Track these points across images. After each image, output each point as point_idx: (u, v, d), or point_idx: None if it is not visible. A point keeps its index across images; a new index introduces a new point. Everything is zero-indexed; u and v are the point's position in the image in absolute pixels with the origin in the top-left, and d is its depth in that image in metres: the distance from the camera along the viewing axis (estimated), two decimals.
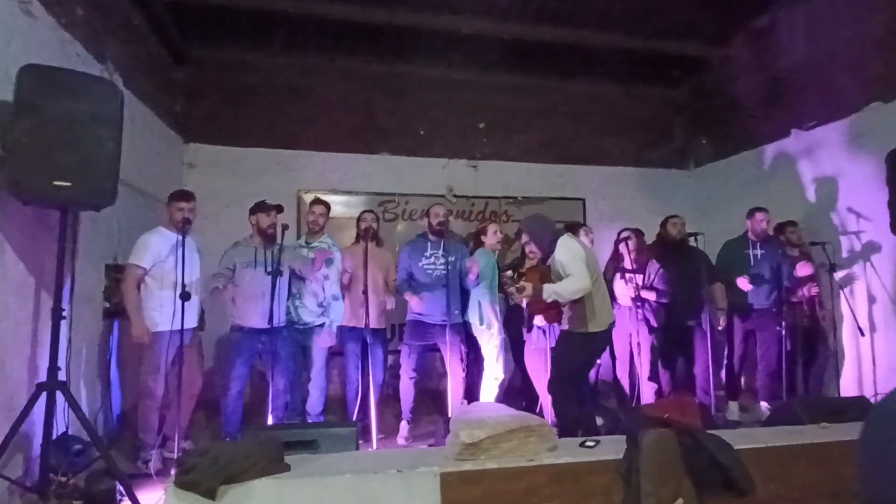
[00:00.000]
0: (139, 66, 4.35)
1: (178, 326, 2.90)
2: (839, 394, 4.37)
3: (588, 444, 2.50)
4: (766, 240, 4.32)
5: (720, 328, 4.13)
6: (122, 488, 2.44)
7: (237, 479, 2.03)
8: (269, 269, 3.09)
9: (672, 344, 4.16)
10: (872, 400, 4.04)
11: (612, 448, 2.40)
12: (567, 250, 2.98)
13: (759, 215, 4.30)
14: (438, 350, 3.76)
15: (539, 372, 3.54)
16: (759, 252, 4.28)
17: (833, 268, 4.22)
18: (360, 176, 5.59)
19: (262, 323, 3.17)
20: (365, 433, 3.52)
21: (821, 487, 2.48)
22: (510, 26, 5.30)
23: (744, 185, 5.59)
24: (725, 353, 4.33)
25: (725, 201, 5.78)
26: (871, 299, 4.24)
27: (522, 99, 6.11)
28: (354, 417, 3.36)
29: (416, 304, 3.52)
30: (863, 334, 4.14)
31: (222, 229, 4.30)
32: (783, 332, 4.07)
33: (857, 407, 3.14)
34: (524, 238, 3.28)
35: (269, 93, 5.47)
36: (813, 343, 4.35)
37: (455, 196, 5.81)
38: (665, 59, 6.06)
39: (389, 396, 4.15)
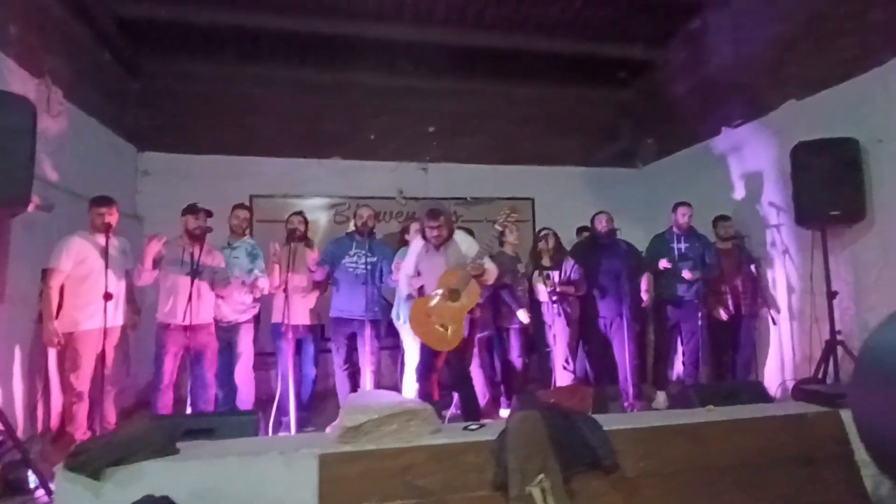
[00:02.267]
0: (86, 80, 4.53)
1: (101, 325, 3.07)
2: (763, 380, 4.53)
3: (471, 427, 2.67)
4: (690, 234, 4.49)
5: (644, 305, 4.26)
6: (36, 477, 2.60)
7: (125, 462, 2.19)
8: (190, 269, 3.27)
9: (596, 336, 4.31)
10: (785, 384, 4.22)
11: (493, 431, 2.57)
12: (469, 239, 3.38)
13: (681, 210, 4.48)
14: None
15: None
16: (682, 245, 4.45)
17: (752, 260, 4.39)
18: (311, 180, 5.77)
19: (186, 319, 3.34)
20: (304, 425, 3.71)
21: (693, 462, 2.63)
22: (450, 33, 5.49)
23: (685, 181, 5.76)
24: (652, 343, 4.49)
25: (671, 198, 5.89)
26: (790, 289, 4.40)
27: (471, 103, 6.29)
28: (274, 411, 3.51)
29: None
30: (774, 323, 4.31)
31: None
32: (703, 322, 4.23)
33: (749, 391, 3.31)
34: (440, 220, 3.40)
35: (221, 101, 5.66)
36: (737, 333, 4.51)
37: (405, 198, 5.98)
38: (610, 62, 6.25)
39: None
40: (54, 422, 3.44)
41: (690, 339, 4.33)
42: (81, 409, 3.21)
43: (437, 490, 2.37)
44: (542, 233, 4.30)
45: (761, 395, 3.31)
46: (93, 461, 2.13)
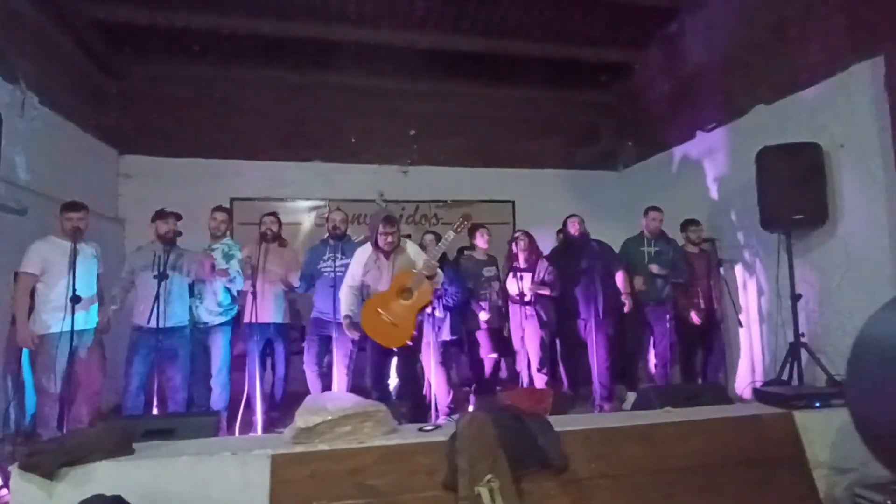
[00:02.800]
0: (62, 84, 4.58)
1: (70, 328, 3.12)
2: (734, 383, 4.58)
3: (426, 428, 2.71)
4: (661, 237, 4.54)
5: (626, 310, 4.30)
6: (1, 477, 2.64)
7: (79, 462, 2.23)
8: (157, 273, 3.32)
9: (570, 337, 4.36)
10: (754, 386, 4.25)
11: (448, 432, 2.61)
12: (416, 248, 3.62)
13: (652, 214, 4.53)
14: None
15: None
16: (653, 249, 4.50)
17: (721, 263, 4.44)
18: (291, 183, 5.82)
19: (154, 322, 3.39)
20: (275, 424, 3.75)
21: (645, 465, 2.68)
22: (428, 36, 5.54)
23: (664, 184, 5.82)
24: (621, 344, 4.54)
25: (649, 200, 5.97)
26: (760, 292, 4.45)
27: (452, 105, 6.34)
28: (241, 412, 3.55)
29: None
30: (741, 325, 4.36)
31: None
32: (673, 324, 4.27)
33: (710, 392, 3.36)
34: (395, 227, 3.54)
35: (203, 104, 5.71)
36: (708, 336, 4.56)
37: (385, 201, 6.03)
38: (591, 65, 6.29)
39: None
40: (28, 423, 3.47)
41: (661, 340, 4.37)
42: (53, 411, 3.25)
43: (388, 491, 2.41)
44: (516, 235, 4.34)
45: (722, 397, 3.35)
46: (47, 461, 2.18)
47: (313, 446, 2.46)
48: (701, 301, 4.49)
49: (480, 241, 4.41)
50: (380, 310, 3.32)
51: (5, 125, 3.57)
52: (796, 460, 2.86)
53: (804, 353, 3.80)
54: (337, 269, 3.78)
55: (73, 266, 3.13)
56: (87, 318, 3.34)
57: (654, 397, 3.25)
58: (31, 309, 3.26)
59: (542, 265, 4.23)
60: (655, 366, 4.47)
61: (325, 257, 3.93)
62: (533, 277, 4.16)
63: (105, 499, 2.10)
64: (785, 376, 3.86)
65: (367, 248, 3.55)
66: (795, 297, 3.84)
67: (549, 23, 5.54)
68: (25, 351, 3.61)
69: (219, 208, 4.03)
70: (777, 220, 3.84)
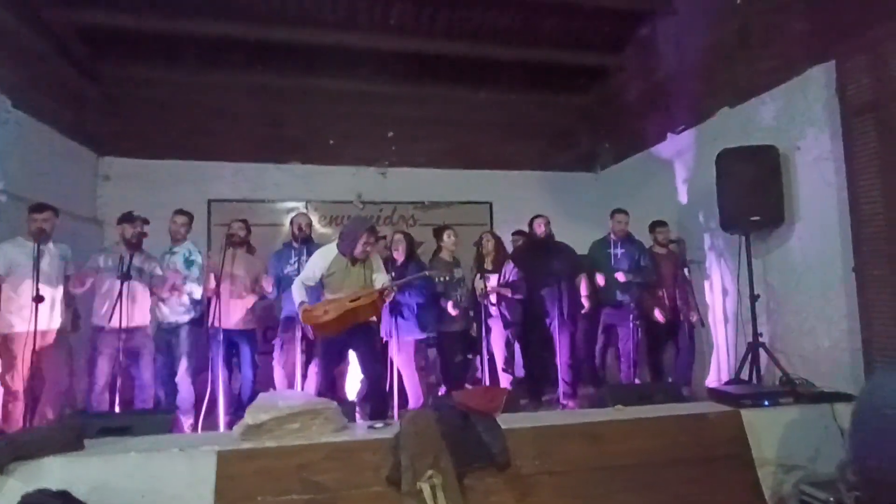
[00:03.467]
0: (40, 88, 4.64)
1: (35, 328, 3.19)
2: (704, 382, 4.64)
3: (376, 426, 2.78)
4: (627, 239, 4.60)
5: (584, 311, 4.35)
6: None
7: (29, 457, 2.30)
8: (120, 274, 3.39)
9: (535, 337, 4.41)
10: (710, 386, 4.31)
11: (397, 429, 2.68)
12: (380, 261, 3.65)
13: (617, 216, 4.59)
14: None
15: None
16: (619, 251, 4.56)
17: (686, 264, 4.50)
18: (270, 185, 5.88)
19: (117, 323, 3.46)
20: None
21: (589, 462, 2.74)
22: (404, 40, 5.60)
23: (639, 186, 5.88)
24: (584, 345, 4.60)
25: (626, 202, 6.04)
26: (725, 292, 4.50)
27: (431, 108, 6.40)
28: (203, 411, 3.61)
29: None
30: (703, 325, 4.42)
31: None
32: (637, 325, 4.33)
33: (664, 391, 3.42)
34: (373, 239, 3.56)
35: (182, 107, 5.77)
36: (676, 336, 4.62)
37: (363, 202, 6.09)
38: (569, 68, 6.35)
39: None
40: None
41: (626, 341, 4.43)
42: (17, 408, 3.31)
43: (333, 486, 2.47)
44: (483, 236, 4.40)
45: (675, 395, 3.42)
46: None
47: (261, 443, 2.53)
48: (667, 301, 4.56)
49: (447, 242, 4.46)
50: (326, 309, 3.30)
51: None
52: (741, 458, 2.91)
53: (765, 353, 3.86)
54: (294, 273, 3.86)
55: (36, 266, 3.19)
56: (51, 318, 3.40)
57: (608, 396, 3.31)
58: None
59: (508, 267, 4.29)
60: (622, 365, 4.53)
61: (291, 261, 3.99)
62: (499, 279, 4.22)
63: (50, 493, 2.17)
64: (746, 375, 3.93)
65: (330, 250, 3.50)
66: (753, 298, 3.89)
67: (524, 26, 5.59)
68: None
69: (180, 211, 4.07)
70: (735, 221, 3.89)
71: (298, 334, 3.72)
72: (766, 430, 3.06)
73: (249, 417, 2.58)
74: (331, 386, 3.66)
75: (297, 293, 3.43)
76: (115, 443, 2.56)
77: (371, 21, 5.33)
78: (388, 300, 3.40)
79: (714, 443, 2.91)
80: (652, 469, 2.78)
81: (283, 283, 4.04)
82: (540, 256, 4.41)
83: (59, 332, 3.51)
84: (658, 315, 4.46)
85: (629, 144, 6.09)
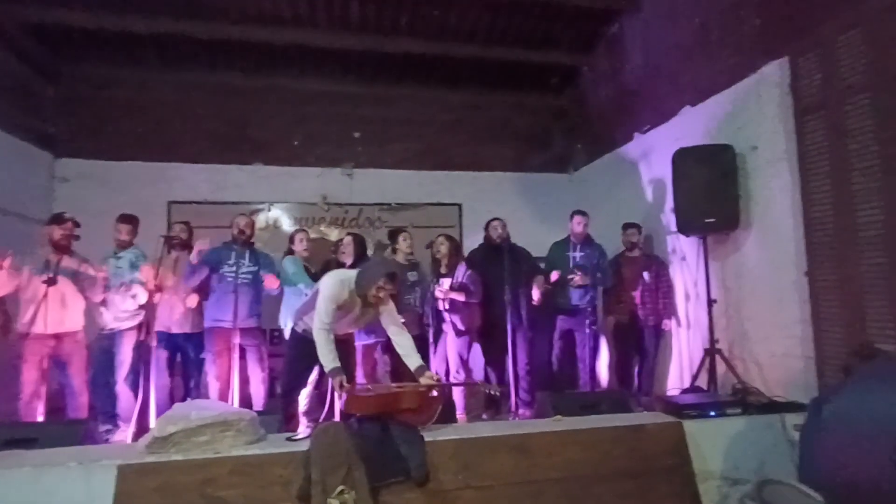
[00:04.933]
0: None
1: None
2: (666, 388, 4.51)
3: (295, 437, 2.66)
4: (586, 242, 4.48)
5: (534, 303, 4.21)
6: None
7: None
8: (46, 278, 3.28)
9: (493, 343, 4.29)
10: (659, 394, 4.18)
11: None
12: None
13: (576, 218, 4.47)
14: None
15: None
16: (578, 254, 4.44)
17: (649, 267, 4.38)
18: (232, 186, 5.78)
19: (48, 328, 3.36)
20: None
21: (515, 475, 2.62)
22: (368, 39, 5.49)
23: (611, 186, 5.75)
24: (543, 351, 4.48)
25: (599, 202, 5.93)
26: (686, 297, 4.38)
27: (400, 109, 6.29)
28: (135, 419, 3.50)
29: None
30: (665, 329, 4.30)
31: (92, 241, 4.46)
32: (596, 331, 4.21)
33: (610, 400, 3.29)
34: (391, 287, 2.98)
35: (142, 107, 5.68)
36: (641, 341, 4.49)
37: (328, 204, 5.98)
38: (541, 68, 6.24)
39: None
40: None
41: (583, 347, 4.30)
42: None
43: (238, 502, 2.36)
44: (437, 239, 4.28)
45: (622, 405, 3.28)
46: None
47: (167, 456, 2.41)
48: (634, 306, 4.43)
49: (403, 245, 4.34)
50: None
51: None
52: (680, 471, 2.79)
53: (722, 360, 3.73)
54: (240, 276, 3.74)
55: None
56: None
57: (549, 405, 3.19)
58: None
59: (462, 270, 4.17)
60: (581, 371, 4.40)
61: (230, 262, 3.85)
62: (452, 282, 4.10)
63: None
64: (705, 383, 3.81)
65: (336, 283, 2.94)
66: (710, 303, 3.77)
67: (490, 25, 5.48)
68: None
69: (123, 219, 3.95)
70: (691, 224, 3.78)
71: (236, 341, 3.60)
72: (711, 441, 2.94)
73: (156, 429, 2.47)
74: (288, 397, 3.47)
75: (327, 351, 2.81)
76: (14, 456, 2.45)
77: (330, 18, 5.22)
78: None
79: (651, 455, 2.78)
80: (583, 482, 2.66)
81: (213, 283, 3.89)
82: (496, 260, 4.27)
83: None
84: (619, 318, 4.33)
85: (600, 145, 5.97)
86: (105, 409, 3.77)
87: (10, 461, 2.38)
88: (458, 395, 4.07)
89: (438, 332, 4.22)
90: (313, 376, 3.58)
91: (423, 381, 2.86)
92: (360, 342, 3.97)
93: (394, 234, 4.41)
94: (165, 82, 5.73)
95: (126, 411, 3.72)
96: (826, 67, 3.05)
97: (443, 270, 4.22)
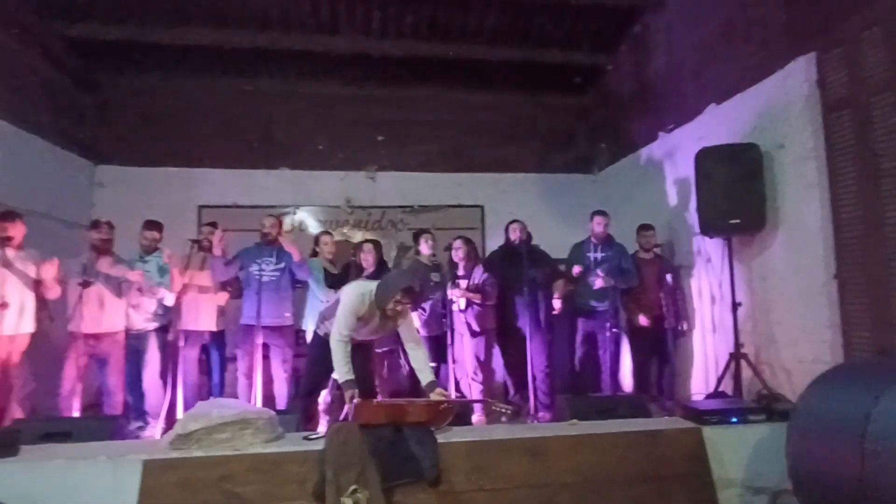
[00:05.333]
0: (33, 101, 4.80)
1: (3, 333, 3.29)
2: (689, 393, 4.41)
3: (311, 437, 2.72)
4: (607, 243, 4.42)
5: (555, 313, 4.19)
6: None
7: None
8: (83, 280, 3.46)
9: (512, 345, 4.28)
10: (697, 398, 4.09)
11: None
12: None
13: (596, 219, 4.43)
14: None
15: None
16: (598, 255, 4.39)
17: (671, 270, 4.29)
18: (259, 190, 5.93)
19: (87, 328, 3.53)
20: None
21: (528, 479, 2.62)
22: (389, 43, 5.56)
23: (635, 187, 5.67)
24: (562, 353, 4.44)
25: (622, 203, 5.85)
26: (712, 300, 4.27)
27: (422, 111, 6.34)
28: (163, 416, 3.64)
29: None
30: (683, 334, 4.20)
31: (128, 244, 4.67)
32: (619, 333, 4.16)
33: (628, 405, 3.24)
34: (408, 301, 2.96)
35: (174, 114, 5.89)
36: (661, 345, 4.41)
37: (352, 206, 6.08)
38: (565, 68, 6.18)
39: None
40: None
41: (604, 350, 4.25)
42: None
43: (255, 499, 2.43)
44: (454, 241, 4.30)
45: (641, 409, 3.23)
46: None
47: (189, 452, 2.51)
48: (652, 307, 4.35)
49: (424, 247, 4.38)
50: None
51: None
52: (698, 478, 2.73)
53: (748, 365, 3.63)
54: (266, 275, 3.84)
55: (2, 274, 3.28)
56: (20, 324, 3.49)
57: (567, 408, 3.17)
58: None
59: (478, 272, 4.18)
60: (603, 374, 4.35)
61: (259, 260, 3.98)
62: (468, 284, 4.12)
63: None
64: (731, 389, 3.71)
65: (357, 295, 2.97)
66: (735, 306, 3.67)
67: (512, 26, 5.48)
68: None
69: (149, 225, 4.11)
70: (714, 225, 3.69)
71: (258, 341, 3.70)
72: (732, 448, 2.86)
73: (179, 426, 2.57)
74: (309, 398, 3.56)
75: (342, 362, 2.87)
76: (50, 449, 2.59)
77: (352, 24, 5.31)
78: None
79: (668, 461, 2.73)
80: (597, 487, 2.63)
81: (244, 282, 4.01)
82: (514, 262, 4.28)
83: (33, 336, 3.60)
84: (642, 320, 4.26)
85: (625, 144, 5.88)
86: (137, 406, 3.93)
87: (45, 453, 2.51)
88: (477, 395, 4.08)
89: (452, 334, 4.23)
90: (335, 376, 3.66)
91: (434, 397, 2.88)
92: (378, 349, 4.02)
93: (417, 237, 4.46)
94: (196, 90, 5.94)
95: (155, 408, 3.87)
96: (851, 64, 2.94)
97: (460, 272, 4.24)
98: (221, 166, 5.91)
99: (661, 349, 4.45)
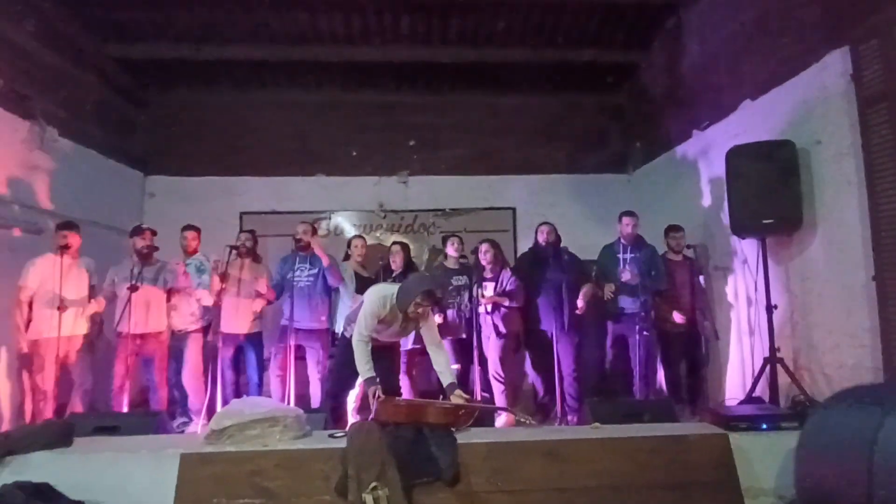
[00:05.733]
0: (87, 118, 5.17)
1: (61, 333, 3.58)
2: (723, 397, 4.29)
3: (337, 435, 2.83)
4: (636, 244, 4.35)
5: (577, 312, 4.15)
6: None
7: (20, 452, 2.58)
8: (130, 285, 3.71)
9: (539, 348, 4.28)
10: (730, 403, 3.97)
11: None
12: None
13: (625, 220, 4.36)
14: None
15: None
16: (628, 256, 4.32)
17: (702, 271, 4.18)
18: (296, 197, 6.15)
19: (134, 329, 3.78)
20: None
21: (547, 482, 2.63)
22: (419, 50, 5.65)
23: (667, 186, 5.55)
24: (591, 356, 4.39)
25: (657, 203, 5.74)
26: (749, 301, 4.13)
27: (453, 115, 6.41)
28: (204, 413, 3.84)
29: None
30: (717, 337, 4.06)
31: (175, 250, 4.96)
32: (650, 336, 4.08)
33: (655, 409, 3.20)
34: (431, 303, 3.11)
35: (217, 126, 6.20)
36: (690, 348, 4.30)
37: (385, 211, 6.21)
38: (597, 67, 6.11)
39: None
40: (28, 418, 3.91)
41: (637, 353, 4.17)
42: (47, 406, 3.71)
43: (283, 493, 2.55)
44: (480, 245, 4.34)
45: (668, 414, 3.18)
46: None
47: (222, 447, 2.66)
48: (681, 311, 4.25)
49: (451, 250, 4.45)
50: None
51: (23, 158, 4.18)
52: (724, 486, 2.67)
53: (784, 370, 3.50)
54: (300, 280, 4.01)
55: (60, 279, 3.57)
56: (75, 325, 3.78)
57: (590, 411, 3.16)
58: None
59: (506, 275, 4.20)
60: (634, 377, 4.28)
61: (295, 267, 4.15)
62: (495, 287, 4.14)
63: (29, 486, 2.41)
64: (766, 394, 3.59)
65: (378, 298, 3.08)
66: (770, 309, 3.55)
67: (539, 27, 5.46)
68: None
69: (188, 227, 4.37)
70: (747, 225, 3.57)
71: (292, 342, 3.86)
72: (763, 456, 2.78)
73: (214, 423, 2.74)
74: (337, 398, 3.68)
75: (364, 361, 2.99)
76: (100, 441, 2.80)
77: (382, 33, 5.44)
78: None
79: (693, 467, 2.68)
80: (618, 492, 2.62)
81: (286, 287, 4.19)
82: (540, 265, 4.28)
83: (85, 337, 3.89)
84: (677, 317, 4.15)
85: (660, 143, 5.75)
86: (182, 403, 4.17)
87: (95, 445, 2.73)
88: (500, 399, 4.09)
89: (479, 336, 4.26)
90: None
91: (454, 399, 2.96)
92: (403, 347, 4.10)
93: (444, 240, 4.53)
94: (236, 103, 6.23)
95: (195, 406, 4.10)
96: (886, 56, 2.79)
97: (486, 275, 4.27)
98: (261, 174, 6.16)
99: (692, 353, 4.34)
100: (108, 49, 5.40)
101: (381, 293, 3.09)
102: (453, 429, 2.78)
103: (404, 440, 2.64)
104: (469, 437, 2.74)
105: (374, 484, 2.46)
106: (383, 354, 3.23)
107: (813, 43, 3.41)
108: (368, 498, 2.44)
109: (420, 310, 3.01)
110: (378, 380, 2.99)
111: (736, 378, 4.30)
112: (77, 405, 3.84)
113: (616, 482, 2.63)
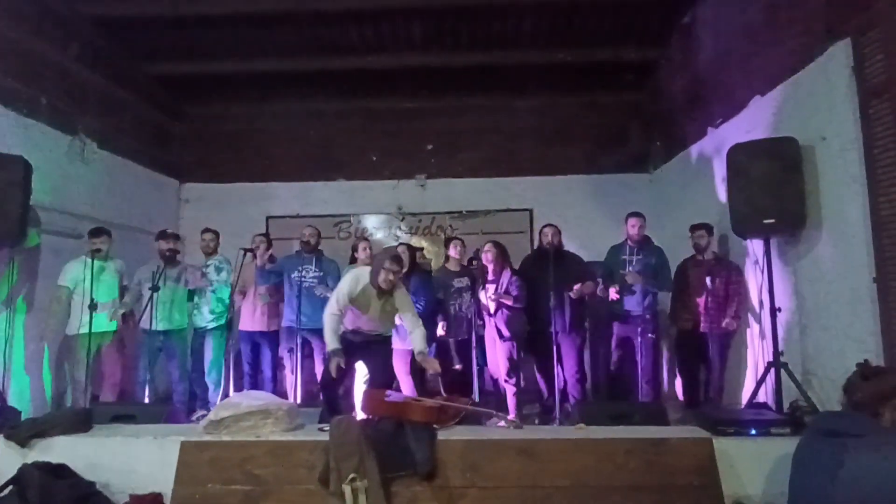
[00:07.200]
0: (126, 130, 5.60)
1: (95, 330, 3.93)
2: (742, 401, 4.15)
3: (325, 428, 2.97)
4: (643, 245, 4.29)
5: (572, 295, 4.13)
6: None
7: (44, 435, 2.88)
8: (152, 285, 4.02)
9: (542, 349, 4.29)
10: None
11: None
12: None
13: (631, 220, 4.30)
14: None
15: None
16: (634, 258, 4.26)
17: (730, 270, 4.08)
18: (319, 202, 6.41)
19: (157, 326, 4.10)
20: None
21: (521, 479, 2.68)
22: (432, 56, 5.77)
23: (685, 185, 5.42)
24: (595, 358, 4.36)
25: (677, 202, 5.61)
26: (760, 304, 3.97)
27: (470, 118, 6.50)
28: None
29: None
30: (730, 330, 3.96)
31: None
32: (653, 339, 4.03)
33: (646, 412, 3.18)
34: (400, 268, 3.39)
35: (245, 136, 6.57)
36: (707, 350, 4.20)
37: (403, 213, 6.37)
38: (614, 65, 6.03)
39: None
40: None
41: (643, 355, 4.12)
42: (83, 397, 4.06)
43: (270, 481, 2.73)
44: (484, 246, 4.40)
45: (658, 417, 3.14)
46: (21, 433, 2.85)
47: (218, 436, 2.87)
48: (699, 313, 4.15)
49: (453, 252, 4.53)
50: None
51: (65, 169, 4.59)
52: (703, 490, 2.62)
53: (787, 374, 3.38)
54: (305, 281, 4.20)
55: (92, 279, 3.91)
56: (107, 322, 4.12)
57: (577, 412, 3.17)
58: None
59: (507, 276, 4.24)
60: (640, 379, 4.22)
61: (300, 267, 4.36)
62: (496, 288, 4.20)
63: (49, 466, 2.69)
64: (772, 399, 3.48)
65: (352, 277, 3.38)
66: (774, 311, 3.43)
67: (551, 29, 5.46)
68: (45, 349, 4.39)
69: (206, 230, 4.67)
70: (747, 225, 3.47)
71: (299, 341, 4.06)
72: (750, 462, 2.71)
73: (213, 414, 2.95)
74: (333, 390, 3.86)
75: (331, 333, 3.27)
76: (115, 428, 3.08)
77: (396, 41, 5.59)
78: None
79: (672, 471, 2.66)
80: (593, 492, 2.63)
81: (286, 287, 4.39)
82: (543, 266, 4.29)
83: (116, 333, 4.24)
84: (700, 317, 4.05)
85: (678, 141, 5.62)
86: (202, 396, 4.46)
87: (110, 431, 3.00)
88: (511, 402, 4.14)
89: (480, 338, 4.33)
90: (366, 375, 3.93)
91: (422, 362, 3.27)
92: (404, 346, 4.20)
93: (446, 242, 4.63)
94: (263, 113, 6.56)
95: (214, 399, 4.37)
96: (887, 46, 2.66)
97: (489, 277, 4.33)
98: (286, 180, 6.47)
99: (705, 356, 4.23)
100: (145, 67, 5.83)
101: (356, 273, 3.41)
102: (436, 426, 2.87)
103: (384, 433, 2.75)
104: (447, 433, 2.83)
105: (352, 475, 2.58)
106: (376, 348, 3.39)
107: (818, 35, 3.28)
108: (347, 489, 2.57)
109: (391, 276, 3.26)
110: (341, 351, 3.24)
111: (751, 383, 4.16)
112: (107, 396, 4.19)
113: (591, 482, 2.65)
